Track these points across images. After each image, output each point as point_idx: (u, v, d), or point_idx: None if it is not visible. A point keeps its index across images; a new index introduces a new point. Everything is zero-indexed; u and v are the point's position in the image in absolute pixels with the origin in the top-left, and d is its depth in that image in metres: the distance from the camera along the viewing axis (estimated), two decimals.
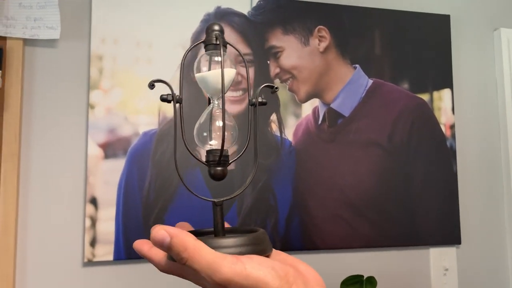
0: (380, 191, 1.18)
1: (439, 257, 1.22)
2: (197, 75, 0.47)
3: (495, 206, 1.30)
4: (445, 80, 1.28)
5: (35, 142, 1.01)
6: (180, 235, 0.37)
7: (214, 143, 0.45)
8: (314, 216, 1.13)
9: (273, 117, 1.14)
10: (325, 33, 1.19)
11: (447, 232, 1.22)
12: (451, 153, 1.25)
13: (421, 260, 1.21)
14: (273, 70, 1.14)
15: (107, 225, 1.01)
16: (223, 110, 0.43)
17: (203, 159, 0.45)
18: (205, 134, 0.46)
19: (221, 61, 0.44)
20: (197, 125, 0.46)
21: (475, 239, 1.26)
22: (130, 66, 1.07)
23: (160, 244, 0.37)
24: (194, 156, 0.46)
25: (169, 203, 1.05)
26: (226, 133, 0.44)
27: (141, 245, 0.42)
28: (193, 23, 1.11)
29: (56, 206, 1.01)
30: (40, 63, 1.03)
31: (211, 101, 0.47)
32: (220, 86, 0.44)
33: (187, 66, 1.18)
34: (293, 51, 1.16)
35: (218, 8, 1.13)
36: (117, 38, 1.07)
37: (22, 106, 1.01)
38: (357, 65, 1.21)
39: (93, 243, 1.00)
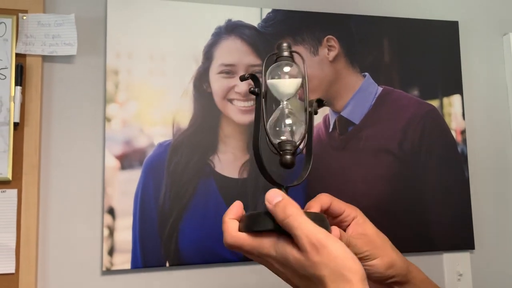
0: (392, 197, 1.19)
1: (453, 262, 1.22)
2: (269, 81, 0.58)
3: (509, 210, 1.30)
4: (455, 86, 1.29)
5: (54, 154, 1.05)
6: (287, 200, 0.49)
7: (286, 136, 0.55)
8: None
9: None
10: (334, 42, 1.21)
11: (460, 237, 1.22)
12: (463, 159, 1.26)
13: (435, 265, 1.21)
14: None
15: (124, 235, 1.04)
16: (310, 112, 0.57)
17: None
18: (277, 128, 0.56)
19: (303, 68, 0.57)
20: (270, 122, 0.58)
21: (489, 244, 1.26)
22: (144, 79, 1.10)
23: (271, 201, 0.50)
24: (273, 146, 0.55)
25: (184, 212, 1.07)
26: (295, 128, 0.56)
27: (226, 213, 0.54)
28: (205, 36, 1.14)
29: (75, 216, 1.04)
30: (58, 79, 1.07)
31: (281, 102, 0.59)
32: (288, 91, 0.58)
33: (199, 78, 1.21)
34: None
35: (229, 21, 1.15)
36: (132, 52, 1.10)
37: (42, 120, 1.04)
38: (366, 73, 1.22)
39: (111, 252, 1.03)
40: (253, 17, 1.17)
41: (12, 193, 0.99)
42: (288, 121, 0.57)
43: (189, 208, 1.08)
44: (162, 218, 1.06)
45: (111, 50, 1.08)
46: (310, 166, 0.57)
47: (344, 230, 0.59)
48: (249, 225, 0.53)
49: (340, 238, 0.54)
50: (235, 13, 1.16)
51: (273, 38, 1.17)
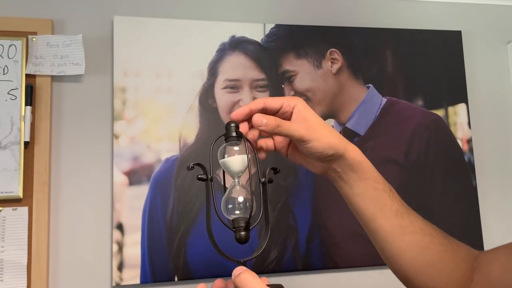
0: None
1: None
2: (221, 160, 0.60)
3: None
4: (460, 95, 1.29)
5: (64, 172, 1.07)
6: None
7: (238, 213, 0.57)
8: (334, 235, 1.15)
9: None
10: (337, 55, 1.22)
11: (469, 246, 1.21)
12: (469, 168, 1.25)
13: None
14: (288, 93, 1.18)
15: (133, 250, 1.05)
16: (251, 187, 0.58)
17: None
18: (230, 206, 0.58)
19: (245, 146, 0.59)
20: (223, 199, 0.59)
21: None
22: (151, 96, 1.12)
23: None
24: (223, 222, 0.57)
25: (192, 226, 1.08)
26: (248, 205, 0.57)
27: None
28: (210, 53, 1.16)
29: (85, 232, 1.05)
30: (67, 98, 1.10)
31: (233, 179, 0.60)
32: (238, 169, 0.59)
33: (204, 94, 1.22)
34: (307, 74, 1.20)
35: (233, 37, 1.18)
36: (138, 70, 1.12)
37: (51, 138, 1.06)
38: (370, 85, 1.23)
39: (120, 267, 1.04)
40: (257, 32, 1.19)
41: (23, 210, 1.01)
42: (240, 198, 0.58)
43: (197, 223, 1.09)
44: (170, 232, 1.07)
45: (118, 69, 1.11)
46: (268, 235, 0.58)
47: (289, 119, 0.63)
48: None
49: (279, 127, 0.60)
50: (239, 29, 1.18)
51: (276, 53, 1.19)
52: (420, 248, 0.64)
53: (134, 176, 1.08)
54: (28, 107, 1.03)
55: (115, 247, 1.04)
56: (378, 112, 1.23)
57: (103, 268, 1.04)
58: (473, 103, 1.30)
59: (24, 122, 1.02)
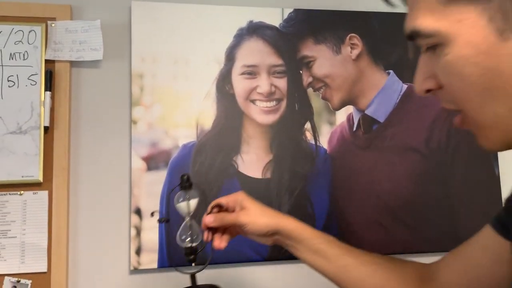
0: (419, 196, 1.17)
1: None
2: (176, 205, 0.82)
3: None
4: None
5: (83, 157, 1.08)
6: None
7: (189, 243, 0.81)
8: (352, 223, 1.14)
9: (307, 125, 1.16)
10: (356, 40, 1.20)
11: None
12: (492, 156, 1.22)
13: None
14: (306, 79, 1.17)
15: (151, 235, 1.06)
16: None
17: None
18: (183, 237, 0.81)
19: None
20: (178, 232, 0.82)
21: None
22: (168, 83, 1.12)
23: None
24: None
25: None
26: (194, 237, 0.81)
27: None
28: (227, 38, 1.15)
29: (103, 217, 1.07)
30: (86, 83, 1.10)
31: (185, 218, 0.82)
32: (187, 211, 0.82)
33: (222, 80, 1.22)
34: (325, 60, 1.18)
35: (251, 22, 1.16)
36: (156, 56, 1.12)
37: (70, 123, 1.08)
38: (390, 71, 1.21)
39: (138, 251, 1.05)
40: (275, 17, 1.17)
41: (43, 194, 1.03)
42: (189, 232, 0.81)
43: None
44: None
45: (136, 55, 1.11)
46: (211, 256, 0.81)
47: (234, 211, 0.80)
48: None
49: (223, 220, 0.78)
50: (257, 14, 1.17)
51: (295, 38, 1.17)
52: (367, 277, 0.74)
53: (152, 162, 1.09)
54: (48, 93, 1.04)
55: (133, 232, 1.05)
56: (398, 99, 1.20)
57: (121, 252, 1.06)
58: None
59: (44, 107, 1.03)
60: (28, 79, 1.05)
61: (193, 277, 0.82)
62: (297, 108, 1.16)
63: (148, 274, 1.05)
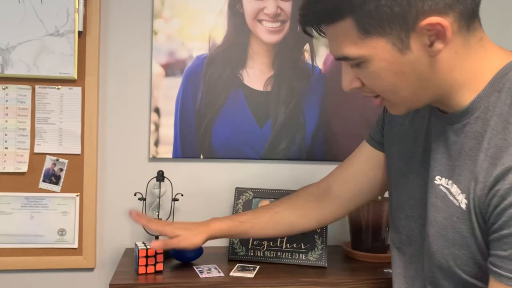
0: None
1: None
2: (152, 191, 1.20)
3: None
4: None
5: (111, 60, 1.25)
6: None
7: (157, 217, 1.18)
8: (336, 133, 1.34)
9: (307, 46, 1.31)
10: None
11: None
12: None
13: None
14: None
15: (168, 130, 1.26)
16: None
17: None
18: (154, 212, 1.20)
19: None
20: (151, 208, 1.21)
21: None
22: None
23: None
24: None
25: (216, 116, 1.28)
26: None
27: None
28: None
29: (127, 114, 1.26)
30: None
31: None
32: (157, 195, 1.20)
33: (233, 0, 1.32)
34: None
35: None
36: None
37: (100, 30, 1.23)
38: None
39: (156, 143, 1.26)
40: None
41: (77, 90, 1.22)
42: (157, 209, 1.20)
43: (221, 113, 1.28)
44: (198, 119, 1.27)
45: None
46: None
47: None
48: None
49: (166, 245, 0.98)
50: None
51: None
52: (284, 217, 1.00)
53: (169, 69, 1.26)
54: (81, 1, 1.18)
55: (153, 127, 1.26)
56: None
57: (142, 143, 1.27)
58: None
59: (78, 14, 1.18)
60: None
61: (157, 238, 1.15)
62: (298, 30, 1.30)
63: (164, 162, 1.27)
